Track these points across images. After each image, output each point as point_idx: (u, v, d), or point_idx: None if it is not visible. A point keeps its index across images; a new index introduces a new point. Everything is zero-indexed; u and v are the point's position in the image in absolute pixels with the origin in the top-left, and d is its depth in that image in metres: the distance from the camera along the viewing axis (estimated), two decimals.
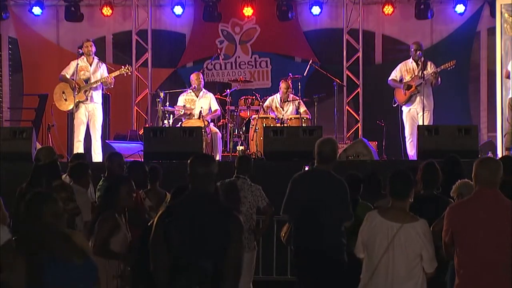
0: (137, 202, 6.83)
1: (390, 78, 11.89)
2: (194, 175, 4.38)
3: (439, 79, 11.58)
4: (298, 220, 6.13)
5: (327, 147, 6.13)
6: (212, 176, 4.41)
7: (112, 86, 11.81)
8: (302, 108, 11.96)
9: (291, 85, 12.27)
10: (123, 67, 11.80)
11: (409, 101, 11.67)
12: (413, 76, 11.63)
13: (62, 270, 4.01)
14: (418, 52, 11.64)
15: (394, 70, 11.90)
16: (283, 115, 12.00)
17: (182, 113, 11.88)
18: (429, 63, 11.65)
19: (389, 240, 4.90)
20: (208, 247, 4.25)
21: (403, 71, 11.79)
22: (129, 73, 12.05)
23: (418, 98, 11.59)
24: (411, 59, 11.80)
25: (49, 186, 6.15)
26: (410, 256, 4.91)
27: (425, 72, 11.43)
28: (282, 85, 12.28)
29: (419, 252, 4.91)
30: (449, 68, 11.49)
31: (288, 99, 12.19)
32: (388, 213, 5.00)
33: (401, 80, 11.76)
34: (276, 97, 12.35)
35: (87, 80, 11.54)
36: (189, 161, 4.43)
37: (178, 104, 12.08)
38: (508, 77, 11.88)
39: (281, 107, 12.22)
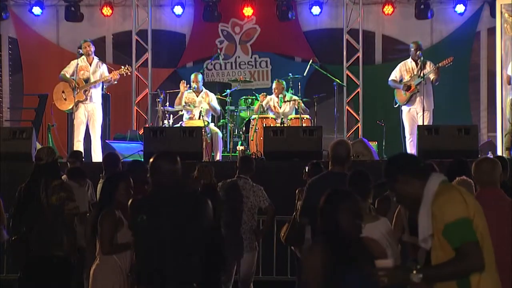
0: None
1: (390, 79, 11.88)
2: (158, 172, 4.49)
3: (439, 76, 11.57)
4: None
5: (342, 149, 6.04)
6: (178, 173, 4.53)
7: (116, 82, 11.74)
8: (301, 106, 11.91)
9: (284, 86, 12.25)
10: (122, 67, 11.80)
11: (409, 101, 11.65)
12: (413, 75, 11.61)
13: None
14: (418, 52, 11.62)
15: (394, 71, 11.87)
16: (282, 116, 11.98)
17: (182, 108, 11.88)
18: (428, 62, 11.63)
19: None
20: (187, 240, 4.31)
21: (403, 71, 11.77)
22: (129, 73, 12.04)
23: (418, 98, 11.56)
24: (410, 59, 11.78)
25: (49, 185, 6.15)
26: None
27: (424, 71, 11.42)
28: (275, 86, 12.29)
29: None
30: (447, 65, 11.46)
31: (286, 99, 12.16)
32: None
33: (401, 81, 11.75)
34: (274, 97, 12.34)
35: (87, 80, 11.52)
36: (152, 159, 4.55)
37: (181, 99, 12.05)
38: (509, 83, 11.85)
39: (279, 106, 12.21)
